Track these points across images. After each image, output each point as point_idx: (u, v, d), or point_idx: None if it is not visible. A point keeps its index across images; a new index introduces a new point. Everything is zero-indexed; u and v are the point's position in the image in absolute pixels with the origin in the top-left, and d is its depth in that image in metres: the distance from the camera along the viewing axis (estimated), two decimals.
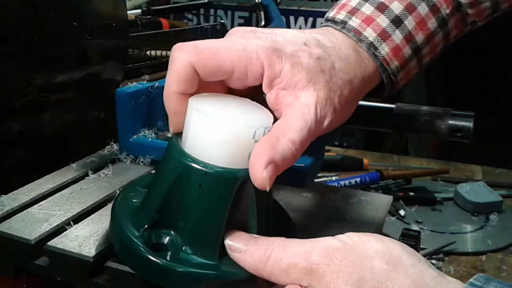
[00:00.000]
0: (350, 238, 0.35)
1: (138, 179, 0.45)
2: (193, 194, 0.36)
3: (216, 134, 0.35)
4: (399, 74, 0.46)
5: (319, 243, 0.35)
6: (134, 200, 0.41)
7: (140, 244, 0.36)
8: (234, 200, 0.36)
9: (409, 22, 0.45)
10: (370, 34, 0.44)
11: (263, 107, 0.40)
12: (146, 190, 0.41)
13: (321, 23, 0.49)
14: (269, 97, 0.40)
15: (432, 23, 0.46)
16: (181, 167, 0.36)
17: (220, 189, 0.36)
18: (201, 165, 0.36)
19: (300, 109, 0.38)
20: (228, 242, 0.37)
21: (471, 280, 0.33)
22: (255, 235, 0.37)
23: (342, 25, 0.45)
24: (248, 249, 0.36)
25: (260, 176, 0.35)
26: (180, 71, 0.38)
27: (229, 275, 0.36)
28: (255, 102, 0.40)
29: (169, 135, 0.39)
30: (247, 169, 0.35)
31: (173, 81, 0.39)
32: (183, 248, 0.37)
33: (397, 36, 0.45)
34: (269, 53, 0.39)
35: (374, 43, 0.44)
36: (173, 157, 0.37)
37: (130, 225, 0.38)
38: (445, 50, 0.49)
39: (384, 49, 0.45)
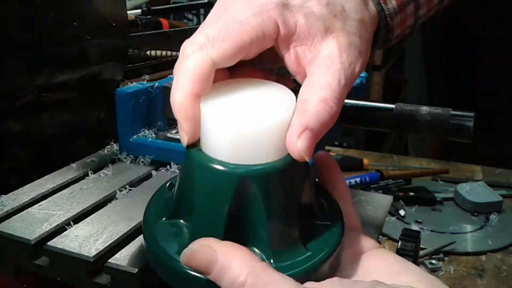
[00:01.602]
0: None
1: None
2: (195, 187, 0.34)
3: (228, 132, 0.33)
4: (395, 17, 0.43)
5: None
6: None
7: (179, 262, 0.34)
8: (236, 200, 0.33)
9: None
10: None
11: (277, 84, 0.37)
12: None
13: None
14: (288, 60, 0.37)
15: None
16: (191, 161, 0.35)
17: (218, 186, 0.33)
18: (202, 158, 0.34)
19: (324, 63, 0.35)
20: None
21: None
22: (259, 264, 0.31)
23: None
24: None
25: (295, 148, 0.32)
26: (199, 70, 0.34)
27: None
28: (266, 81, 0.37)
29: (182, 144, 0.36)
30: (252, 167, 0.33)
31: (189, 81, 0.34)
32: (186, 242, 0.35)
33: None
34: (280, 9, 0.36)
35: None
36: (185, 154, 0.36)
37: (157, 214, 0.38)
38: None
39: None
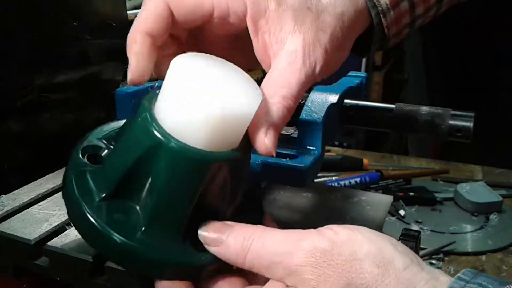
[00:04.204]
0: (338, 235, 0.33)
1: (98, 129, 0.40)
2: (161, 172, 0.33)
3: (199, 113, 0.31)
4: (389, 13, 0.43)
5: (302, 242, 0.32)
6: (91, 160, 0.38)
7: (96, 217, 0.33)
8: (207, 184, 0.33)
9: None
10: None
11: (250, 79, 0.36)
12: (107, 149, 0.38)
13: None
14: (256, 46, 0.37)
15: None
16: (152, 140, 0.32)
17: (192, 171, 0.33)
18: (175, 143, 0.32)
19: (287, 59, 0.36)
20: (202, 233, 0.34)
21: (459, 274, 0.31)
22: (229, 223, 0.35)
23: None
24: (224, 241, 0.34)
25: (264, 144, 0.34)
26: (153, 9, 0.35)
27: (192, 259, 0.34)
28: (241, 71, 0.36)
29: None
30: (225, 152, 0.33)
31: (142, 19, 0.35)
32: (144, 226, 0.34)
33: None
34: None
35: None
36: (144, 127, 0.33)
37: (87, 191, 0.35)
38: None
39: None
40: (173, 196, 0.33)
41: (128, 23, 0.69)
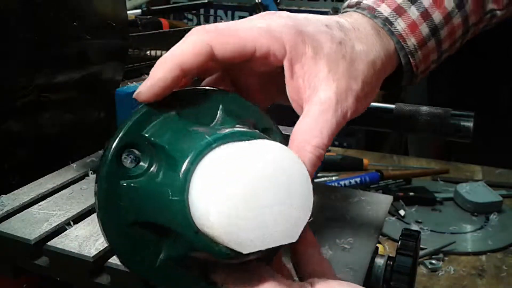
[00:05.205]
0: None
1: (140, 115, 0.33)
2: (180, 248, 0.32)
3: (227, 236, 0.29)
4: (416, 54, 0.44)
5: None
6: (128, 162, 0.33)
7: (119, 245, 0.32)
8: None
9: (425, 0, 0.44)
10: (384, 9, 0.43)
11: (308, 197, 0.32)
12: (148, 156, 0.32)
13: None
14: (290, 89, 0.38)
15: (448, 2, 0.45)
16: (181, 228, 0.30)
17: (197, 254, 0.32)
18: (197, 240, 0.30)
19: (320, 107, 0.37)
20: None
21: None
22: None
23: (357, 5, 0.44)
24: None
25: None
26: (192, 44, 0.34)
27: None
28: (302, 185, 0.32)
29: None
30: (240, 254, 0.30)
31: (179, 50, 0.34)
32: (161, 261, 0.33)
33: (413, 12, 0.44)
34: (293, 33, 0.37)
35: (389, 18, 0.43)
36: (182, 212, 0.30)
37: (116, 211, 0.32)
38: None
39: (400, 25, 0.43)
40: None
41: (128, 23, 0.69)
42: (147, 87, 0.34)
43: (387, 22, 0.43)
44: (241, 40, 0.36)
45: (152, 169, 0.32)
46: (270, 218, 0.29)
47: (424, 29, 0.44)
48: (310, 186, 0.32)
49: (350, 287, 0.32)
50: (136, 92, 0.34)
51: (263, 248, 0.30)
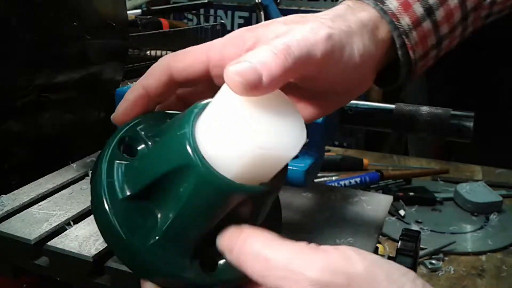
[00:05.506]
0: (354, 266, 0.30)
1: (139, 118, 0.39)
2: (187, 190, 0.33)
3: (235, 147, 0.31)
4: (411, 34, 0.43)
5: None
6: (126, 151, 0.36)
7: (114, 213, 0.33)
8: (228, 212, 0.33)
9: None
10: None
11: (300, 118, 0.35)
12: (144, 143, 0.37)
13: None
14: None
15: None
16: (186, 160, 0.32)
17: (215, 198, 0.32)
18: (205, 167, 0.32)
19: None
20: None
21: None
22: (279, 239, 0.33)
23: None
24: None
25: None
26: (152, 68, 0.39)
27: (196, 278, 0.34)
28: (293, 108, 0.35)
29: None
30: (252, 186, 0.33)
31: (144, 78, 0.39)
32: (159, 236, 0.33)
33: None
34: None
35: None
36: (182, 144, 0.32)
37: (114, 184, 0.34)
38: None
39: (393, 3, 0.42)
40: (192, 216, 0.33)
41: (128, 23, 0.69)
42: (117, 112, 0.40)
43: (378, 1, 0.42)
44: (190, 54, 0.38)
45: (148, 149, 0.37)
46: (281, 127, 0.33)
47: (418, 8, 0.43)
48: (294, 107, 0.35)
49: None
50: (111, 116, 0.40)
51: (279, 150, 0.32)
